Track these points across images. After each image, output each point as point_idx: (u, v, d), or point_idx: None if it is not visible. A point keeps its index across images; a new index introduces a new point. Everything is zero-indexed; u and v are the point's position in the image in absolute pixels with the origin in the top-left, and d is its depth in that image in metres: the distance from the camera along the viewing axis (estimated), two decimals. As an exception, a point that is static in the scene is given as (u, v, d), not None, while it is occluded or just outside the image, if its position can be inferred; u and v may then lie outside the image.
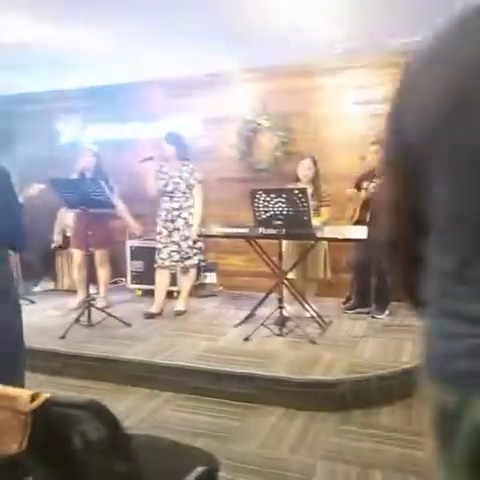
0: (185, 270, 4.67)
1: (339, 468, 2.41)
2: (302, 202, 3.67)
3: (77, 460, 1.24)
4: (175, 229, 4.52)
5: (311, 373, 3.13)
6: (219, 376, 3.23)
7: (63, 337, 3.91)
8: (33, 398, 1.14)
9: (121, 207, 4.76)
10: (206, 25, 4.09)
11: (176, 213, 4.53)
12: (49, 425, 1.17)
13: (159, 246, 4.58)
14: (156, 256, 4.61)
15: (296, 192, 3.69)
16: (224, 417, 2.96)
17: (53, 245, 5.63)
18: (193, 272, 4.73)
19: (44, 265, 5.79)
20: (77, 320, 4.11)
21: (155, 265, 4.65)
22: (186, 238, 4.52)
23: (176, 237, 4.52)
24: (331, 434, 2.74)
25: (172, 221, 4.53)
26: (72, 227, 4.95)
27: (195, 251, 4.58)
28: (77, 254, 4.85)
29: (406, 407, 2.99)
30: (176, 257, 4.54)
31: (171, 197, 4.53)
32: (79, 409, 1.17)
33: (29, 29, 4.12)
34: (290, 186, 4.33)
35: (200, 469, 1.45)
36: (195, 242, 4.58)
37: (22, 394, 1.14)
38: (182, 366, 3.36)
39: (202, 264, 4.84)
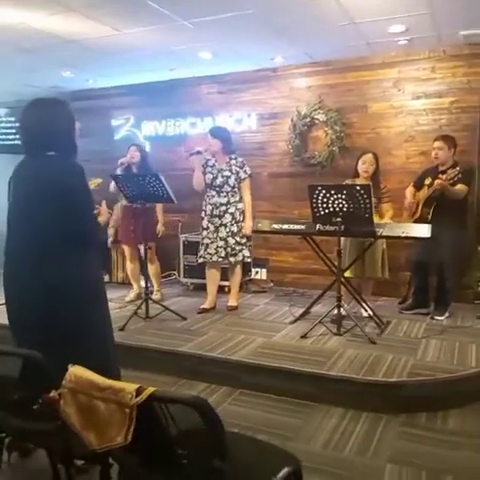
0: (232, 266, 4.61)
1: (407, 472, 2.35)
2: (364, 199, 3.59)
3: (176, 453, 1.25)
4: (222, 225, 4.44)
5: (374, 374, 3.06)
6: (278, 373, 3.21)
7: (122, 329, 3.99)
8: (138, 392, 1.16)
9: (160, 205, 4.82)
10: (261, 19, 4.04)
11: (223, 208, 4.45)
12: (152, 419, 1.19)
13: (206, 241, 4.51)
14: (202, 251, 4.54)
15: (358, 188, 3.61)
16: (285, 415, 2.95)
17: (109, 240, 5.74)
18: (239, 268, 4.65)
19: (102, 259, 5.92)
20: (135, 313, 4.19)
21: (201, 260, 4.61)
22: (233, 234, 4.44)
23: (223, 233, 4.44)
24: (397, 437, 2.68)
25: (219, 216, 4.45)
26: (120, 222, 5.05)
27: (240, 247, 4.48)
28: (127, 248, 4.95)
29: (475, 412, 2.90)
30: (223, 253, 4.47)
31: (219, 192, 4.46)
32: (183, 405, 1.17)
33: (82, 26, 4.17)
34: (348, 182, 4.26)
35: (287, 469, 1.44)
36: (249, 238, 4.51)
37: (127, 387, 1.16)
38: (240, 362, 3.36)
39: (247, 260, 4.68)
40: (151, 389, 1.18)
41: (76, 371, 1.30)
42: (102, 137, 6.46)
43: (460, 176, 3.96)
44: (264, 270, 5.77)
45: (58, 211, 2.09)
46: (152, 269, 4.91)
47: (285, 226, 4.25)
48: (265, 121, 5.69)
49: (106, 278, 5.91)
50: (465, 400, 2.97)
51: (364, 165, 4.25)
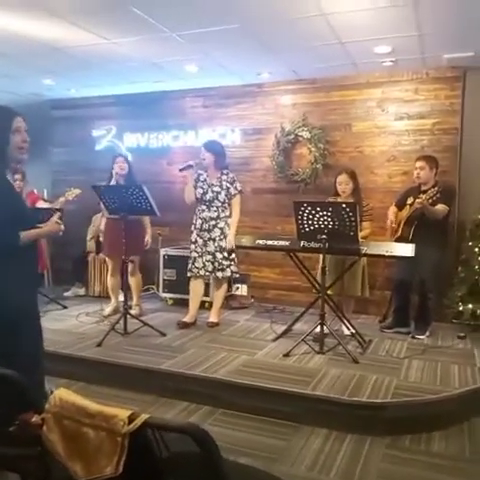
0: (218, 282, 4.59)
1: (393, 496, 2.31)
2: (350, 217, 3.58)
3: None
4: (211, 239, 4.44)
5: (358, 394, 3.02)
6: (261, 392, 3.13)
7: (99, 345, 3.86)
8: (130, 419, 1.08)
9: (147, 217, 4.77)
10: (248, 35, 4.05)
11: (213, 223, 4.44)
12: (145, 447, 1.11)
13: (194, 255, 4.51)
14: (190, 265, 4.53)
15: (344, 206, 3.61)
16: (268, 436, 2.87)
17: (87, 250, 5.60)
18: (225, 284, 4.64)
19: (76, 270, 5.77)
20: (113, 328, 4.07)
21: (189, 274, 4.58)
22: (221, 249, 4.44)
23: (211, 247, 4.44)
24: (382, 459, 2.63)
25: (208, 231, 4.45)
26: (104, 234, 4.93)
27: (228, 263, 4.48)
28: (111, 261, 4.83)
29: (459, 433, 2.88)
30: (210, 267, 4.46)
31: (209, 206, 4.46)
32: (178, 432, 1.10)
33: (67, 33, 4.10)
34: (331, 199, 4.26)
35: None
36: (230, 253, 4.49)
37: (119, 414, 1.08)
38: (222, 380, 3.27)
39: (235, 276, 4.70)
40: (144, 416, 1.10)
41: (61, 394, 1.21)
42: (82, 147, 6.37)
43: (439, 196, 4.03)
44: (245, 286, 5.71)
45: None
46: (134, 282, 4.80)
47: (269, 242, 4.22)
48: (249, 136, 5.69)
49: (82, 291, 5.76)
50: (449, 422, 2.95)
51: (340, 186, 4.27)
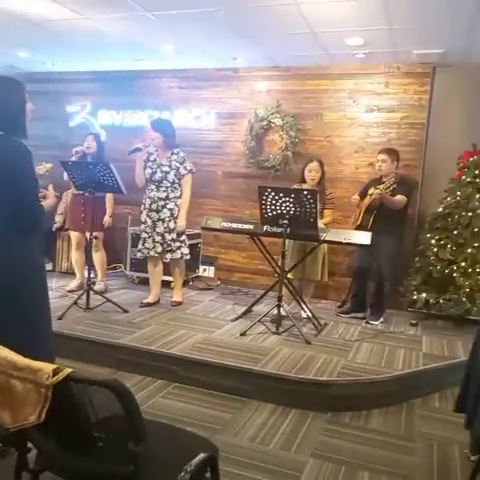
0: (172, 262, 4.54)
1: (327, 467, 2.46)
2: (310, 203, 3.70)
3: (92, 436, 1.27)
4: (160, 220, 4.38)
5: (305, 372, 3.17)
6: (213, 368, 3.26)
7: (60, 318, 3.93)
8: (55, 372, 1.17)
9: (110, 195, 4.81)
10: (225, 18, 4.08)
11: (162, 203, 4.36)
12: (68, 400, 1.21)
13: (144, 235, 4.46)
14: (140, 245, 4.50)
15: (305, 193, 3.72)
16: (216, 409, 3.00)
17: (54, 226, 5.63)
18: (181, 265, 4.59)
19: (44, 246, 5.77)
20: (75, 303, 4.14)
21: (138, 254, 4.59)
22: (171, 230, 4.38)
23: (160, 228, 4.38)
24: (321, 433, 2.79)
25: (157, 211, 4.38)
26: (68, 209, 4.97)
27: (179, 244, 4.42)
28: (74, 236, 4.89)
29: (397, 412, 3.06)
30: (159, 248, 4.42)
31: (158, 186, 4.37)
32: (99, 386, 1.20)
33: (42, 7, 4.07)
34: (296, 186, 4.37)
35: (203, 455, 1.49)
36: (180, 235, 4.43)
37: (45, 368, 1.18)
38: (176, 355, 3.38)
39: (186, 258, 4.52)
40: (68, 370, 1.19)
41: (-5, 350, 1.30)
42: (56, 122, 6.33)
43: (395, 186, 4.19)
44: (212, 268, 5.82)
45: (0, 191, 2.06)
46: (97, 257, 4.86)
47: (234, 225, 4.33)
48: (223, 120, 5.74)
49: (49, 266, 5.79)
50: (389, 401, 3.13)
51: (310, 173, 4.39)
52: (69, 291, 4.78)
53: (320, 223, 4.25)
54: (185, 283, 4.85)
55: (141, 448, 1.32)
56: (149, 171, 4.41)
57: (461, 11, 3.61)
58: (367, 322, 4.40)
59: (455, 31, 4.01)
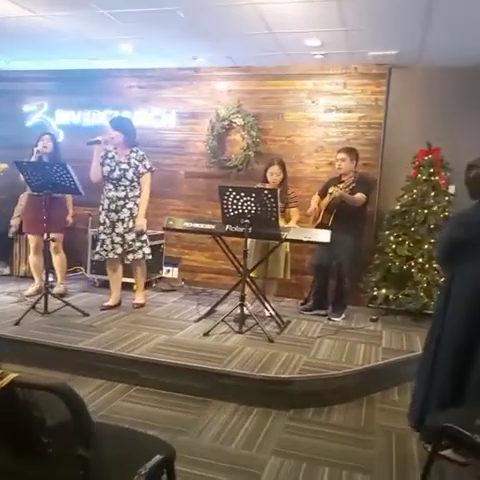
0: (134, 263, 4.46)
1: (288, 464, 2.47)
2: (271, 203, 3.72)
3: (39, 442, 1.23)
4: (119, 220, 4.27)
5: (267, 370, 3.18)
6: (175, 369, 3.23)
7: (17, 323, 3.81)
8: (-2, 377, 1.13)
9: (70, 196, 4.71)
10: (184, 18, 4.05)
11: (121, 203, 4.27)
12: (13, 405, 1.16)
13: (102, 237, 4.34)
14: (98, 247, 4.39)
15: (266, 192, 3.74)
16: (178, 411, 2.98)
17: (11, 231, 5.45)
18: (143, 266, 4.53)
19: (0, 250, 5.60)
20: (33, 307, 4.02)
21: (96, 257, 4.50)
22: (130, 230, 4.29)
23: (120, 228, 4.28)
24: (283, 431, 2.80)
25: (116, 211, 4.27)
26: (25, 211, 4.84)
27: (140, 244, 4.35)
28: (32, 240, 4.76)
29: (358, 407, 3.10)
30: (119, 250, 4.32)
31: (116, 185, 4.28)
32: (46, 391, 1.16)
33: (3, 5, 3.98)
34: (259, 185, 4.39)
35: (158, 457, 1.47)
36: (140, 234, 4.35)
37: (-15, 373, 1.13)
38: (137, 358, 3.33)
39: (148, 258, 4.46)
40: (13, 375, 1.15)
41: None
42: (12, 122, 6.15)
43: (354, 185, 4.28)
44: (176, 269, 5.77)
45: None
46: (57, 259, 4.75)
47: (196, 225, 4.31)
48: (184, 120, 5.70)
49: (7, 271, 5.62)
50: (350, 396, 3.17)
51: (272, 176, 4.43)
52: (27, 296, 4.65)
53: (292, 223, 4.29)
54: (148, 285, 4.79)
55: (91, 452, 1.28)
56: (107, 169, 4.31)
57: (413, 13, 3.70)
58: (329, 319, 4.46)
59: (408, 33, 4.11)
